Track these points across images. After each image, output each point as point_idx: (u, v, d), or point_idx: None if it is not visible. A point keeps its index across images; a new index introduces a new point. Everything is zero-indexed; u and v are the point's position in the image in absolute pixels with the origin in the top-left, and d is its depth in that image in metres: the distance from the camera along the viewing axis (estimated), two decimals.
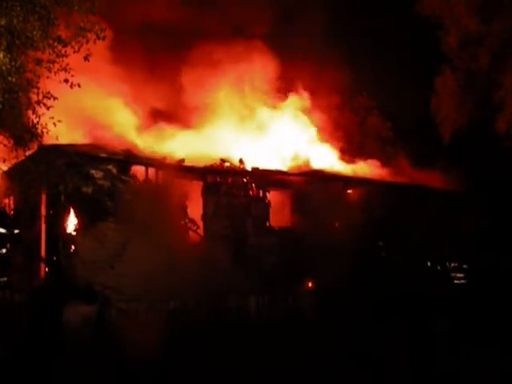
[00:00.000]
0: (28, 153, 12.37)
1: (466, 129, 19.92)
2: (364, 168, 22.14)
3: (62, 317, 14.00)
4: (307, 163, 20.60)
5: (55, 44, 11.16)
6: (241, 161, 18.70)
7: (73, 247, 15.05)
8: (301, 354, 13.75)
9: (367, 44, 25.00)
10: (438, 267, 21.63)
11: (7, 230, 14.99)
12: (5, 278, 14.90)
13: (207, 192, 17.65)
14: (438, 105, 20.30)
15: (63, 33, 11.25)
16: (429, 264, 21.40)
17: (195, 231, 17.30)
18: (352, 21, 24.61)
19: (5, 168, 13.22)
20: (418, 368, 13.40)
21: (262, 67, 22.01)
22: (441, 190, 22.34)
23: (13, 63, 10.79)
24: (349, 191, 20.78)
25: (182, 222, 17.12)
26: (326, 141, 22.96)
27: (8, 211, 15.58)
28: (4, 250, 15.05)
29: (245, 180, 18.56)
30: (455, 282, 21.47)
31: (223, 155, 18.81)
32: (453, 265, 21.74)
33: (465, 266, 21.88)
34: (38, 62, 11.16)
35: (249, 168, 18.83)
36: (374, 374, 13.14)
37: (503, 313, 16.75)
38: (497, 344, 14.48)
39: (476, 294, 19.29)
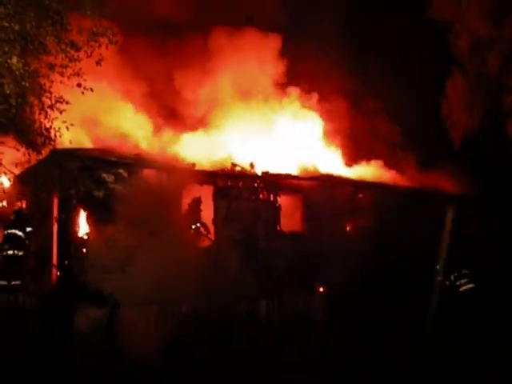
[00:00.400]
0: (40, 157, 12.44)
1: (477, 132, 19.89)
2: (374, 172, 22.11)
3: (73, 322, 14.00)
4: (317, 167, 20.58)
5: (68, 49, 11.23)
6: (251, 165, 18.69)
7: (84, 251, 15.06)
8: (311, 359, 13.68)
9: (377, 47, 24.99)
10: (447, 272, 21.51)
11: (24, 234, 15.00)
12: (18, 282, 14.87)
13: (218, 196, 17.62)
14: (449, 108, 20.29)
15: (76, 37, 11.33)
16: (437, 267, 21.28)
17: (206, 236, 17.29)
18: (363, 23, 24.60)
19: (17, 172, 13.28)
20: (428, 371, 13.29)
21: (271, 69, 22.05)
22: (450, 193, 22.27)
23: (26, 68, 10.86)
24: (360, 195, 20.73)
25: (194, 227, 17.11)
26: (336, 145, 22.94)
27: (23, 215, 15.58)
28: (21, 253, 15.01)
29: (255, 184, 18.56)
30: (464, 287, 21.31)
31: (234, 159, 18.81)
32: (461, 270, 21.59)
33: (473, 271, 21.76)
34: (51, 66, 11.24)
35: (259, 172, 18.82)
36: (387, 379, 13.04)
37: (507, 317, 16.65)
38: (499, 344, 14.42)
39: (484, 299, 19.19)
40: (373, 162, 22.64)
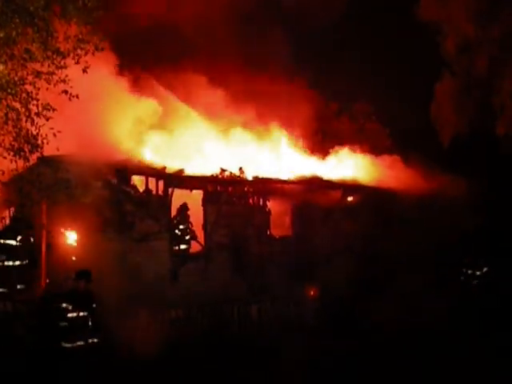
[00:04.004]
0: (28, 164, 12.37)
1: (466, 133, 20.01)
2: (363, 175, 22.19)
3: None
4: (306, 171, 20.61)
5: (54, 56, 11.15)
6: (241, 170, 18.68)
7: (73, 258, 15.03)
8: (302, 362, 13.68)
9: (366, 50, 25.10)
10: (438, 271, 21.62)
11: (18, 242, 14.92)
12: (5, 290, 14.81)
13: (208, 201, 17.62)
14: (438, 109, 20.39)
15: (62, 45, 11.25)
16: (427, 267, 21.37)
17: (197, 240, 17.31)
18: (352, 26, 24.72)
19: (4, 179, 13.19)
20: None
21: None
22: (440, 194, 22.36)
23: (12, 75, 10.79)
24: (349, 198, 20.79)
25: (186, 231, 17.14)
26: (325, 148, 22.98)
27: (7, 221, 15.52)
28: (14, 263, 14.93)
29: (245, 189, 18.57)
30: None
31: (223, 164, 18.79)
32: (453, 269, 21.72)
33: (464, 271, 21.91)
34: (38, 74, 11.15)
35: (249, 177, 18.82)
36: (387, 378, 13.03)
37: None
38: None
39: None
40: (361, 165, 22.73)
